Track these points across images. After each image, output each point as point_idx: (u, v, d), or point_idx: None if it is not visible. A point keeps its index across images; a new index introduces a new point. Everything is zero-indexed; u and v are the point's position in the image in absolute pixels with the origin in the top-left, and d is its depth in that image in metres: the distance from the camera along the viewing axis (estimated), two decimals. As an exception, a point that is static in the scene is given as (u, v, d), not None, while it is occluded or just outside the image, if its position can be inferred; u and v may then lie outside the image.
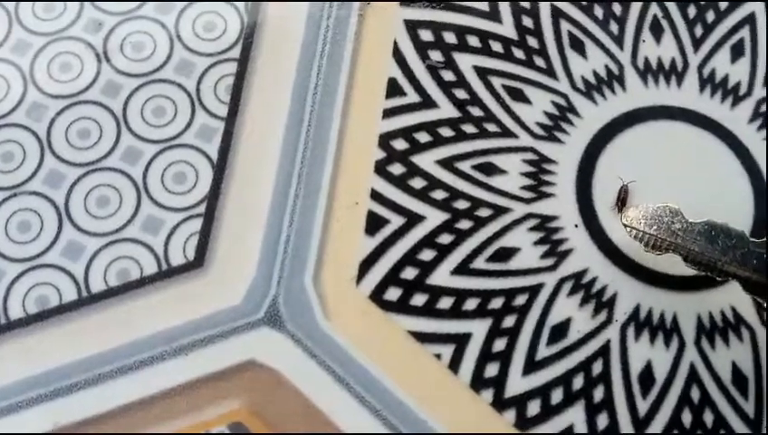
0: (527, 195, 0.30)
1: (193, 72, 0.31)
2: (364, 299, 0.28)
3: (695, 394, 0.27)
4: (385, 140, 0.30)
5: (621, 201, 0.29)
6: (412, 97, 0.31)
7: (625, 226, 0.27)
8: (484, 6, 0.32)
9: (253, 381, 0.27)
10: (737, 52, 0.32)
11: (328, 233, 0.29)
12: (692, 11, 0.32)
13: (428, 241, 0.29)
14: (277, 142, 0.30)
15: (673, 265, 0.28)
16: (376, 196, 0.29)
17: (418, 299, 0.28)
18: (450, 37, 0.31)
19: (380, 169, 0.30)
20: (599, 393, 0.27)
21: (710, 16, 0.32)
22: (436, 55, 0.31)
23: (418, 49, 0.31)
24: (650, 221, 0.27)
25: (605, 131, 0.30)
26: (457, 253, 0.29)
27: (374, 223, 0.29)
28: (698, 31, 0.32)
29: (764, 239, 0.27)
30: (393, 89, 0.31)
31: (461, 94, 0.31)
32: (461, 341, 0.28)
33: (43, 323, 0.27)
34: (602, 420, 0.27)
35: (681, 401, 0.27)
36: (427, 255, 0.29)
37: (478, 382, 0.27)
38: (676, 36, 0.32)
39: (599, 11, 0.32)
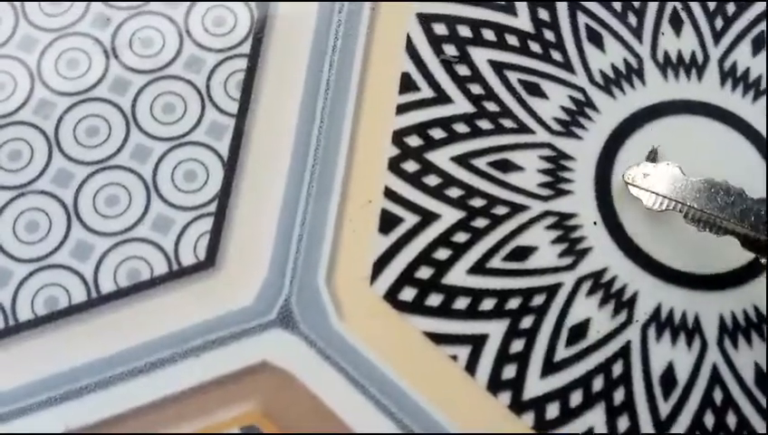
0: (544, 192, 0.29)
1: (203, 68, 0.30)
2: (378, 299, 0.27)
3: (717, 396, 0.27)
4: (398, 137, 0.29)
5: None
6: (426, 92, 0.30)
7: (626, 183, 0.27)
8: (500, -1, 0.31)
9: (265, 383, 0.26)
10: (758, 45, 0.31)
11: (341, 232, 0.28)
12: (712, 3, 0.32)
13: (444, 240, 0.28)
14: (289, 139, 0.29)
15: (695, 263, 0.28)
16: (390, 194, 0.29)
17: (434, 299, 0.28)
18: (465, 31, 0.31)
19: (394, 166, 0.29)
20: (619, 395, 0.27)
21: (730, 8, 0.32)
22: (450, 49, 0.31)
23: (432, 43, 0.31)
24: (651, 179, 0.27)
25: (624, 126, 0.30)
26: (473, 252, 0.28)
27: (388, 222, 0.28)
28: (719, 23, 0.31)
29: (763, 196, 0.26)
30: (407, 84, 0.30)
31: (476, 89, 0.30)
32: (478, 342, 0.27)
33: (53, 325, 0.27)
34: (623, 423, 0.26)
35: (703, 402, 0.27)
36: (442, 254, 0.28)
37: (495, 384, 0.27)
38: (696, 29, 0.31)
39: (617, 3, 0.31)
